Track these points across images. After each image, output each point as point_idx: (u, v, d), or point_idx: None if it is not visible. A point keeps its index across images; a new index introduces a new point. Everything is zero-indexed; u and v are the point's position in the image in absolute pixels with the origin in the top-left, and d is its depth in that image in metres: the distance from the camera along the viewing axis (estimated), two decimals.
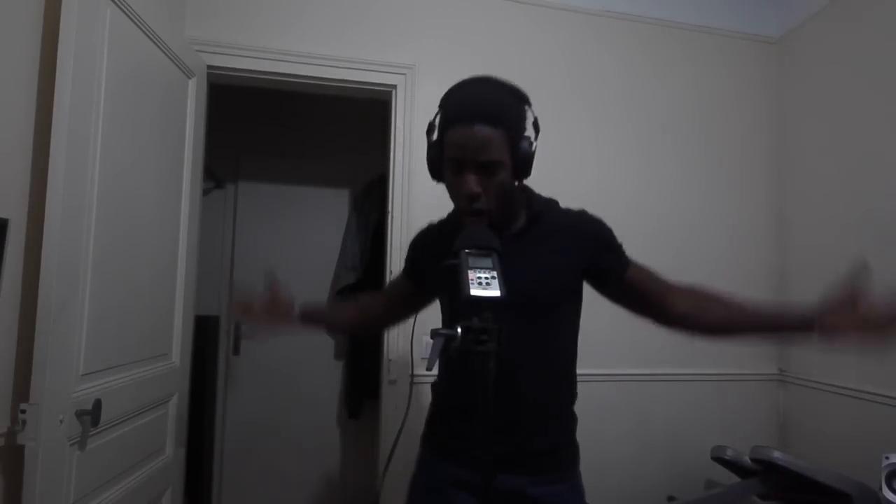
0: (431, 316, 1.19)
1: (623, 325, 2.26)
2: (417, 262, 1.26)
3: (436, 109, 1.07)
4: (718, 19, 2.50)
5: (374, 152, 3.02)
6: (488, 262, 0.84)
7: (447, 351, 0.77)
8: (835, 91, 2.23)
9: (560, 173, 2.16)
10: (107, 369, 1.40)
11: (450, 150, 1.00)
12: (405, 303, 1.33)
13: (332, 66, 2.11)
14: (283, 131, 3.22)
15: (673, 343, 2.34)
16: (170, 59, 1.70)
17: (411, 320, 1.37)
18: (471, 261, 0.84)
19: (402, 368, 2.09)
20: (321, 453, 3.14)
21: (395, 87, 2.17)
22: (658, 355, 2.30)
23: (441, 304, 1.21)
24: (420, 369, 1.88)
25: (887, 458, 1.72)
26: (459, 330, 0.78)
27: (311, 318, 1.30)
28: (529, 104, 1.05)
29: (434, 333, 0.79)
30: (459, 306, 0.81)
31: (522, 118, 1.03)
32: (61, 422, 1.20)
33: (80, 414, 1.26)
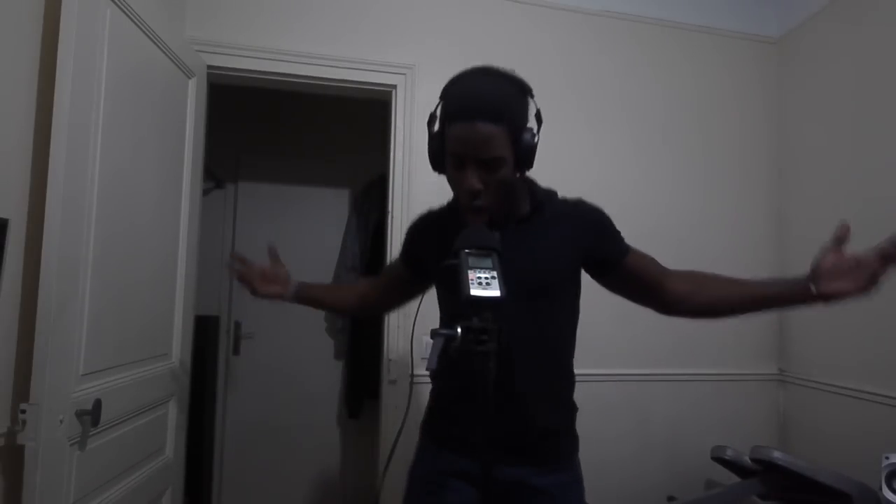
0: (431, 316, 1.19)
1: (624, 325, 2.29)
2: (415, 249, 1.26)
3: (432, 112, 1.07)
4: (718, 19, 2.50)
5: (374, 152, 3.02)
6: (488, 262, 0.84)
7: (447, 351, 0.78)
8: (835, 91, 2.23)
9: (559, 173, 2.15)
10: (107, 369, 1.40)
11: (451, 145, 1.00)
12: (401, 288, 1.35)
13: (332, 66, 2.11)
14: (283, 131, 3.22)
15: (673, 343, 2.36)
16: (170, 59, 1.70)
17: (411, 320, 1.37)
18: (471, 261, 0.84)
19: (402, 368, 2.09)
20: (321, 453, 3.14)
21: (395, 87, 2.17)
22: (658, 355, 2.30)
23: (439, 302, 1.21)
24: (420, 369, 1.88)
25: (887, 458, 1.72)
26: (459, 330, 0.78)
27: (307, 294, 1.40)
28: (532, 95, 1.05)
29: (434, 333, 0.79)
30: (459, 306, 0.81)
31: (524, 111, 1.03)
32: (61, 422, 1.20)
33: (80, 414, 1.26)
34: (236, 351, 3.09)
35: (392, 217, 2.14)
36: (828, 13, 2.28)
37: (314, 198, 3.24)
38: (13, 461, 1.16)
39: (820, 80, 2.31)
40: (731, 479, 1.99)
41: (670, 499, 2.12)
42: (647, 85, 2.40)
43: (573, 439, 1.17)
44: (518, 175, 1.05)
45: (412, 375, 1.24)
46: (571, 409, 1.18)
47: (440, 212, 1.24)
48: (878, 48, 2.04)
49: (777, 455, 1.69)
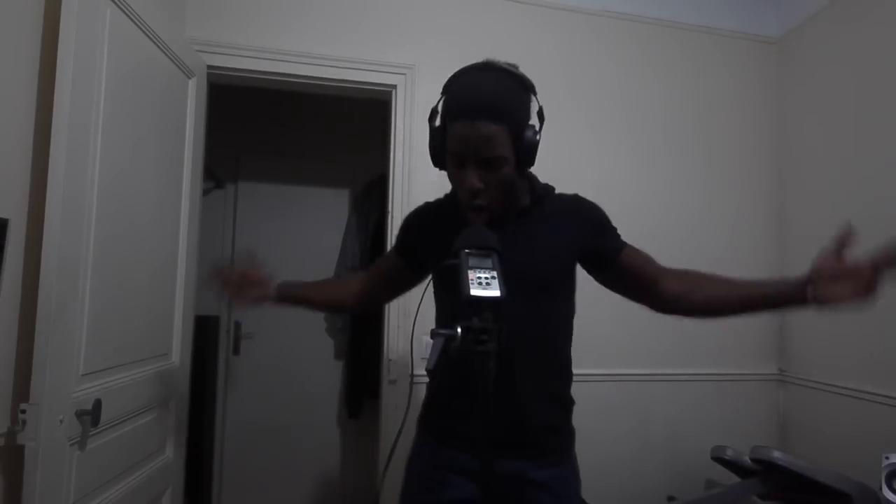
0: (432, 316, 1.19)
1: (623, 325, 2.29)
2: (412, 241, 1.25)
3: (434, 107, 1.07)
4: (718, 19, 2.50)
5: (374, 152, 3.02)
6: (488, 262, 0.84)
7: (447, 351, 0.78)
8: (835, 91, 2.23)
9: (560, 173, 2.14)
10: (107, 369, 1.40)
11: (452, 144, 1.00)
12: (396, 281, 1.33)
13: (332, 66, 2.11)
14: (283, 131, 3.22)
15: (673, 343, 2.36)
16: (170, 59, 1.70)
17: (411, 320, 1.37)
18: (471, 261, 0.84)
19: (402, 368, 2.09)
20: (321, 453, 3.14)
21: (395, 87, 2.17)
22: (658, 355, 2.30)
23: (437, 301, 1.20)
24: (420, 369, 1.88)
25: (887, 458, 1.72)
26: (459, 330, 0.78)
27: (290, 294, 1.33)
28: (534, 92, 1.05)
29: (434, 333, 0.79)
30: (459, 306, 0.81)
31: (527, 109, 1.03)
32: (61, 422, 1.20)
33: (80, 414, 1.26)
34: (236, 351, 3.09)
35: (392, 217, 2.14)
36: (828, 13, 2.28)
37: (314, 198, 3.24)
38: (13, 461, 1.16)
39: (820, 80, 2.31)
40: (731, 479, 1.99)
41: (670, 499, 2.12)
42: (647, 85, 2.40)
43: (570, 433, 1.18)
44: (519, 172, 1.05)
45: (412, 375, 1.24)
46: (569, 403, 1.19)
47: (437, 204, 1.23)
48: (878, 48, 2.04)
49: (777, 455, 1.69)
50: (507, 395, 1.03)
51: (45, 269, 1.16)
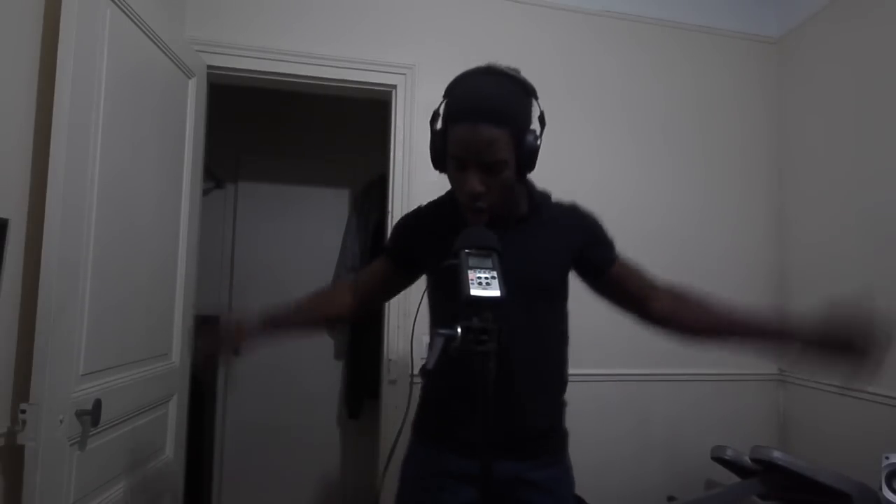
0: None
1: (623, 325, 2.25)
2: (407, 245, 1.23)
3: (436, 110, 1.06)
4: (718, 19, 2.50)
5: (374, 152, 3.02)
6: (488, 262, 0.84)
7: (447, 351, 0.77)
8: (835, 91, 2.23)
9: (560, 173, 2.15)
10: (107, 369, 1.40)
11: (454, 147, 1.00)
12: (387, 287, 1.31)
13: (332, 66, 2.11)
14: (283, 131, 3.22)
15: (673, 343, 2.36)
16: (170, 59, 1.70)
17: (411, 320, 1.36)
18: (471, 261, 0.84)
19: (402, 368, 2.09)
20: (321, 453, 3.14)
21: (395, 87, 2.17)
22: (658, 355, 2.30)
23: (432, 302, 1.20)
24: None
25: (887, 458, 1.72)
26: (459, 330, 0.78)
27: (276, 326, 1.23)
28: (536, 97, 1.05)
29: (434, 333, 0.79)
30: (459, 306, 0.81)
31: (528, 113, 1.03)
32: (61, 422, 1.20)
33: (80, 414, 1.26)
34: (236, 351, 3.09)
35: (392, 217, 2.14)
36: (828, 13, 2.28)
37: (314, 198, 3.23)
38: (13, 461, 1.16)
39: (820, 80, 2.31)
40: (731, 479, 1.99)
41: (670, 499, 2.12)
42: (647, 85, 2.40)
43: (564, 434, 1.20)
44: (519, 177, 1.05)
45: (412, 375, 1.24)
46: (563, 405, 1.20)
47: (434, 205, 1.22)
48: (878, 48, 2.04)
49: (777, 455, 1.69)
50: (508, 401, 1.03)
51: (45, 269, 1.16)
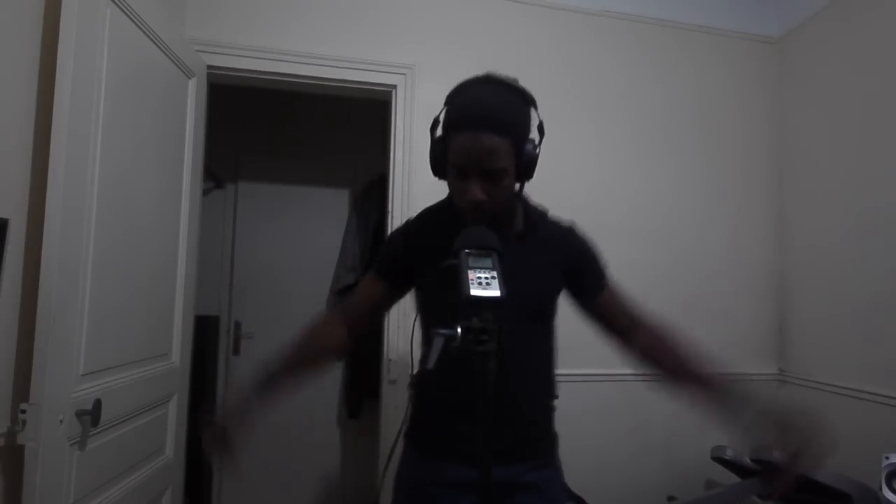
0: None
1: None
2: (405, 264, 1.19)
3: (436, 110, 1.06)
4: (718, 19, 2.50)
5: (374, 152, 3.02)
6: (488, 262, 0.84)
7: (447, 351, 0.77)
8: (835, 91, 2.23)
9: (560, 174, 2.16)
10: (107, 369, 1.40)
11: (455, 155, 1.00)
12: (380, 309, 1.28)
13: (332, 66, 2.11)
14: (283, 131, 3.22)
15: None
16: (170, 59, 1.70)
17: (411, 320, 1.36)
18: (471, 261, 0.84)
19: (402, 368, 2.09)
20: (321, 453, 3.14)
21: (395, 87, 2.17)
22: None
23: (425, 306, 1.18)
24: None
25: (887, 458, 1.72)
26: (459, 330, 0.78)
27: (275, 393, 1.25)
28: (535, 106, 1.06)
29: (434, 333, 0.79)
30: (459, 306, 0.80)
31: (528, 123, 1.03)
32: (61, 422, 1.20)
33: (80, 414, 1.26)
34: (236, 351, 3.09)
35: (392, 217, 2.14)
36: (828, 13, 2.28)
37: (314, 198, 3.24)
38: (13, 461, 1.16)
39: (820, 80, 2.31)
40: (731, 479, 1.99)
41: (670, 499, 2.12)
42: (647, 85, 2.40)
43: (555, 437, 1.23)
44: (519, 186, 1.06)
45: (412, 375, 1.24)
46: (553, 410, 1.23)
47: (419, 221, 1.20)
48: (878, 48, 2.04)
49: (777, 455, 1.69)
50: (505, 408, 1.03)
51: (45, 269, 1.16)
